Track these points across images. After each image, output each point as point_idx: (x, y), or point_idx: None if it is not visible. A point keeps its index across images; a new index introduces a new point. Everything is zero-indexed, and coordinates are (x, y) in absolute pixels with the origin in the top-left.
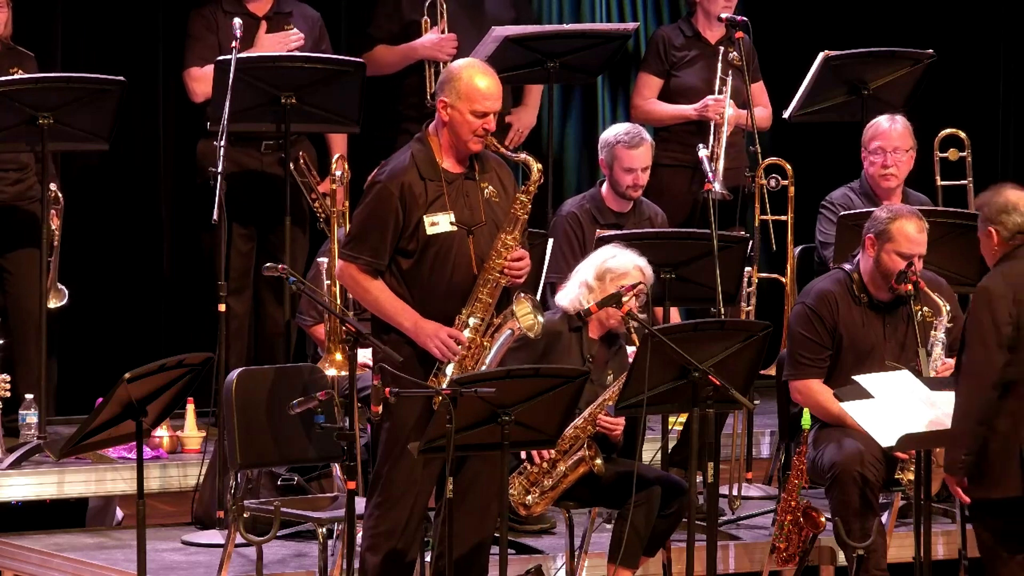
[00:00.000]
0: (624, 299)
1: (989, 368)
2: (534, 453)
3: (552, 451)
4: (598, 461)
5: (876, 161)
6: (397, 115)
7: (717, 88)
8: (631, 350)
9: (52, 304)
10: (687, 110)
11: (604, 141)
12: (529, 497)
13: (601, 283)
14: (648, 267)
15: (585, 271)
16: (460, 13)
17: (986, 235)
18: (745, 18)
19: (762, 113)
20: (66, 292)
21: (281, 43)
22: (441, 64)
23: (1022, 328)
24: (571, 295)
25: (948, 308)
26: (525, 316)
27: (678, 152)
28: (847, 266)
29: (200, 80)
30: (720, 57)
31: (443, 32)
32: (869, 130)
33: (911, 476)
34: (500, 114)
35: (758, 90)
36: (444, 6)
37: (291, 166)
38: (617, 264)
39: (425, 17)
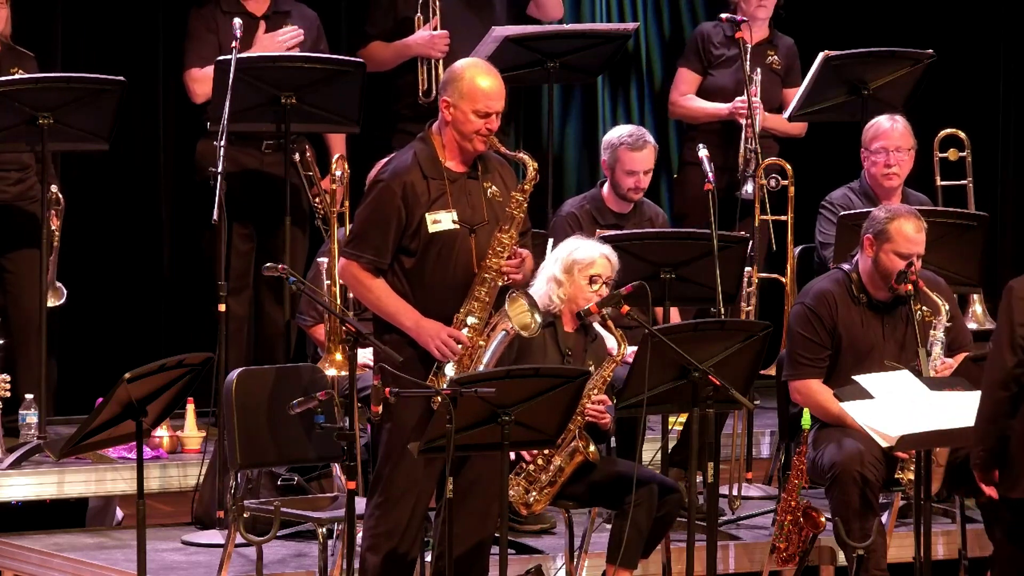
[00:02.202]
0: (593, 295)
1: (999, 367)
2: (524, 452)
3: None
4: (592, 448)
5: (878, 161)
6: (394, 115)
7: (746, 87)
8: (611, 345)
9: (50, 303)
10: (721, 109)
11: (607, 142)
12: (530, 496)
13: (569, 276)
14: (613, 255)
15: (552, 266)
16: (454, 10)
17: None
18: (745, 18)
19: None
20: (64, 291)
21: (279, 41)
22: (434, 61)
23: None
24: (539, 292)
25: (947, 308)
26: (519, 316)
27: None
28: (846, 266)
29: (200, 81)
30: (748, 55)
31: (435, 29)
32: (870, 130)
33: (911, 476)
34: (502, 113)
35: (794, 96)
36: (437, 3)
37: (295, 157)
38: (583, 255)
39: (418, 14)
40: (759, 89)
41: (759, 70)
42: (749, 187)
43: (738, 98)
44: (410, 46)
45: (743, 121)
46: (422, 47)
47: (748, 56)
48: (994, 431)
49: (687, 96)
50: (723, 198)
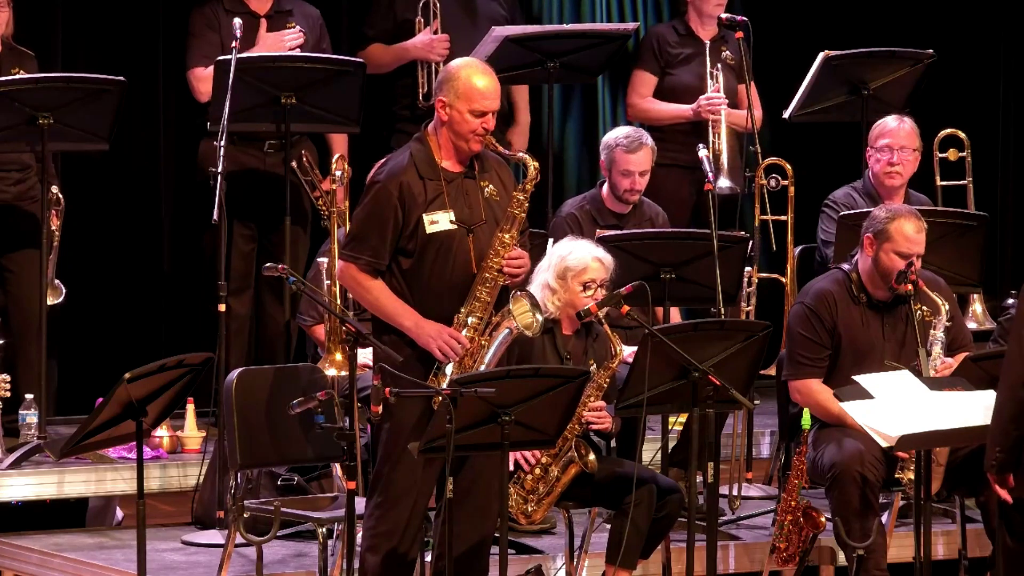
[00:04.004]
0: (592, 294)
1: (1016, 365)
2: (521, 460)
3: (543, 456)
4: (590, 458)
5: (882, 158)
6: (392, 116)
7: (708, 85)
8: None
9: (50, 301)
10: (684, 110)
11: (605, 143)
12: (528, 506)
13: (563, 282)
14: (607, 256)
15: (545, 272)
16: (454, 13)
17: None
18: (745, 18)
19: (754, 114)
20: (63, 289)
21: (281, 41)
22: (434, 65)
23: None
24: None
25: (947, 308)
26: (523, 315)
27: (673, 152)
28: (845, 266)
29: (205, 80)
30: (708, 52)
31: (436, 32)
32: (876, 128)
33: (911, 476)
34: (499, 113)
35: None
36: (437, 6)
37: (293, 164)
38: (575, 261)
39: (419, 17)
40: (721, 86)
41: (720, 66)
42: (722, 183)
43: (702, 96)
44: (409, 49)
45: (710, 118)
46: (421, 51)
47: (745, 55)
48: (1015, 432)
49: (647, 99)
50: (698, 197)
